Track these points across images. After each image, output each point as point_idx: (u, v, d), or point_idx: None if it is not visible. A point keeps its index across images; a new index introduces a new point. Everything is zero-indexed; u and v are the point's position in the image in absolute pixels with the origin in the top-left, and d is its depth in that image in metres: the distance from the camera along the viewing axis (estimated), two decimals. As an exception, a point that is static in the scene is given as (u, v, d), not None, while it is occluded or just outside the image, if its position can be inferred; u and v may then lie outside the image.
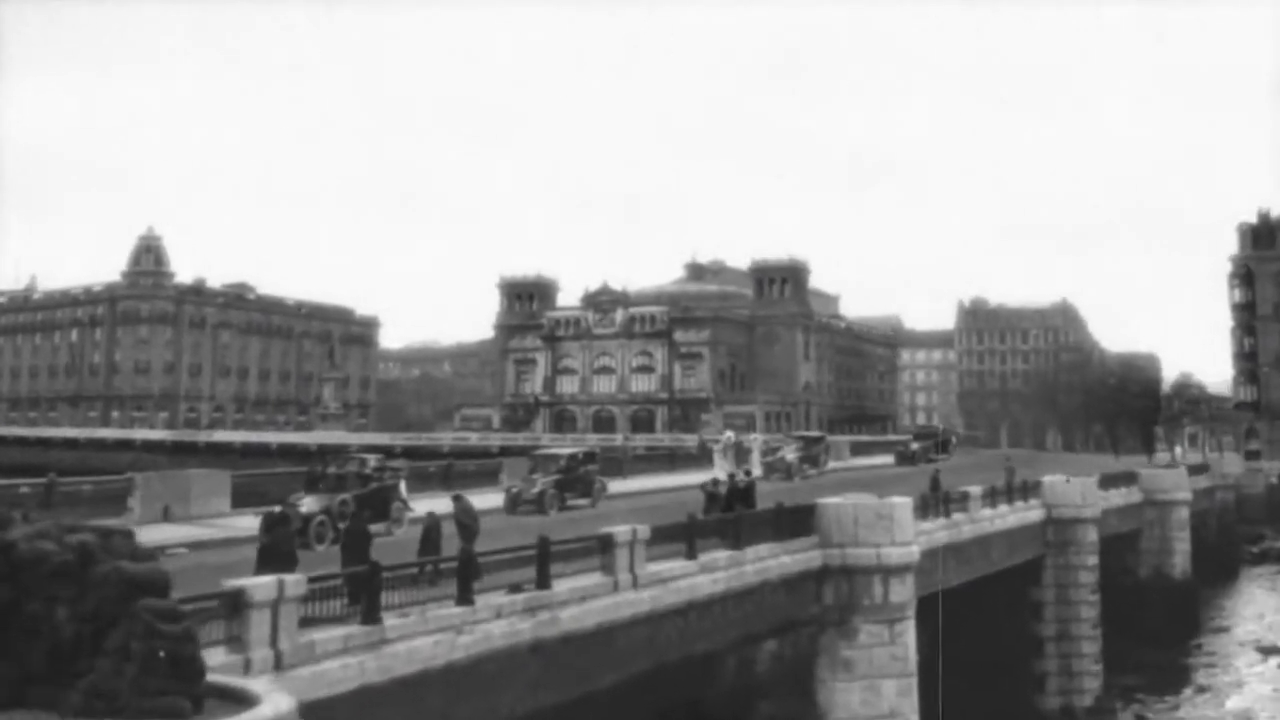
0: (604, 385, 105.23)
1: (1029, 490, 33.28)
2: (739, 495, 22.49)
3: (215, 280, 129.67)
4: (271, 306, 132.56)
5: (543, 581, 14.88)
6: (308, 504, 22.72)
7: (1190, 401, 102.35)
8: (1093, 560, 33.33)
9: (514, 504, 29.04)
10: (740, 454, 44.80)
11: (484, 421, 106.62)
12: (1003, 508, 30.71)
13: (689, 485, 31.66)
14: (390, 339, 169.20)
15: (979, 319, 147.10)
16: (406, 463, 30.02)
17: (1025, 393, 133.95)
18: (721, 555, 18.64)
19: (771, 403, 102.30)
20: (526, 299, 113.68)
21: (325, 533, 22.06)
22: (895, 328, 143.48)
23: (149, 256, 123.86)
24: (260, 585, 11.25)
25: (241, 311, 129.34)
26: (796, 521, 21.02)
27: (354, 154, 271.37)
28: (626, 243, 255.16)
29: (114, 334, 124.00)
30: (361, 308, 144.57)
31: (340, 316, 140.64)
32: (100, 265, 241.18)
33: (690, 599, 17.42)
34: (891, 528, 21.08)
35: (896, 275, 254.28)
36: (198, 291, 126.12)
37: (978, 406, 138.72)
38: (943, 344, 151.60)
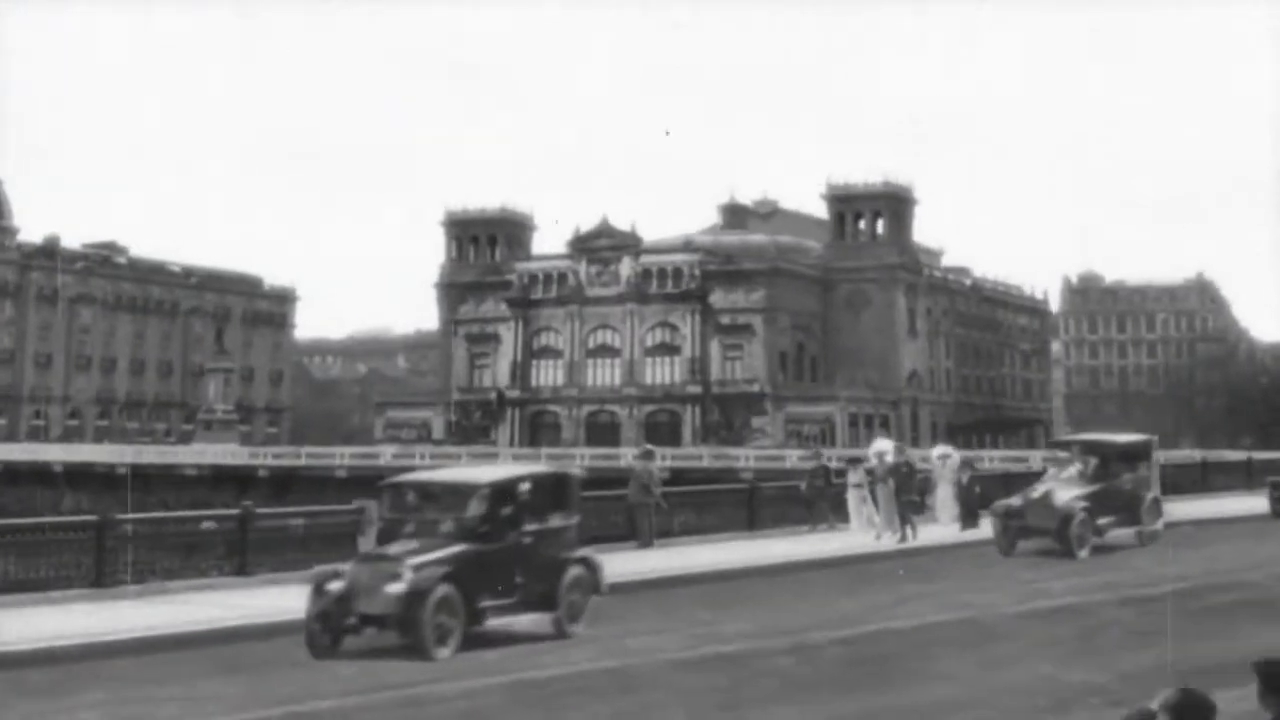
0: (602, 374, 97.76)
1: None
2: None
3: (76, 241, 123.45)
4: (150, 274, 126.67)
5: None
6: None
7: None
8: None
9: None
10: (903, 483, 26.26)
11: (420, 428, 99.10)
12: None
13: (799, 562, 22.08)
14: (329, 326, 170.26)
15: (1091, 300, 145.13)
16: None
17: (1151, 393, 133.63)
18: None
19: (859, 400, 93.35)
20: (486, 244, 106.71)
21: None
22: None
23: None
24: None
25: (109, 280, 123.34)
26: None
27: (291, 101, 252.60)
28: (631, 185, 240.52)
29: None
30: (274, 277, 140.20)
31: (243, 287, 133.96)
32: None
33: None
34: None
35: (978, 245, 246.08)
36: (49, 253, 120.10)
37: (1090, 411, 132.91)
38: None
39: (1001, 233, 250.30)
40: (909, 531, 25.14)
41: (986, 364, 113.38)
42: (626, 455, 63.63)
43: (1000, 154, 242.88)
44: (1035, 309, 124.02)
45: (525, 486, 15.95)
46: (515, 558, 15.20)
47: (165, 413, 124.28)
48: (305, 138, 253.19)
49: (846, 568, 22.52)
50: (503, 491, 15.57)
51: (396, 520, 15.60)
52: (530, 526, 15.56)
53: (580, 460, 64.61)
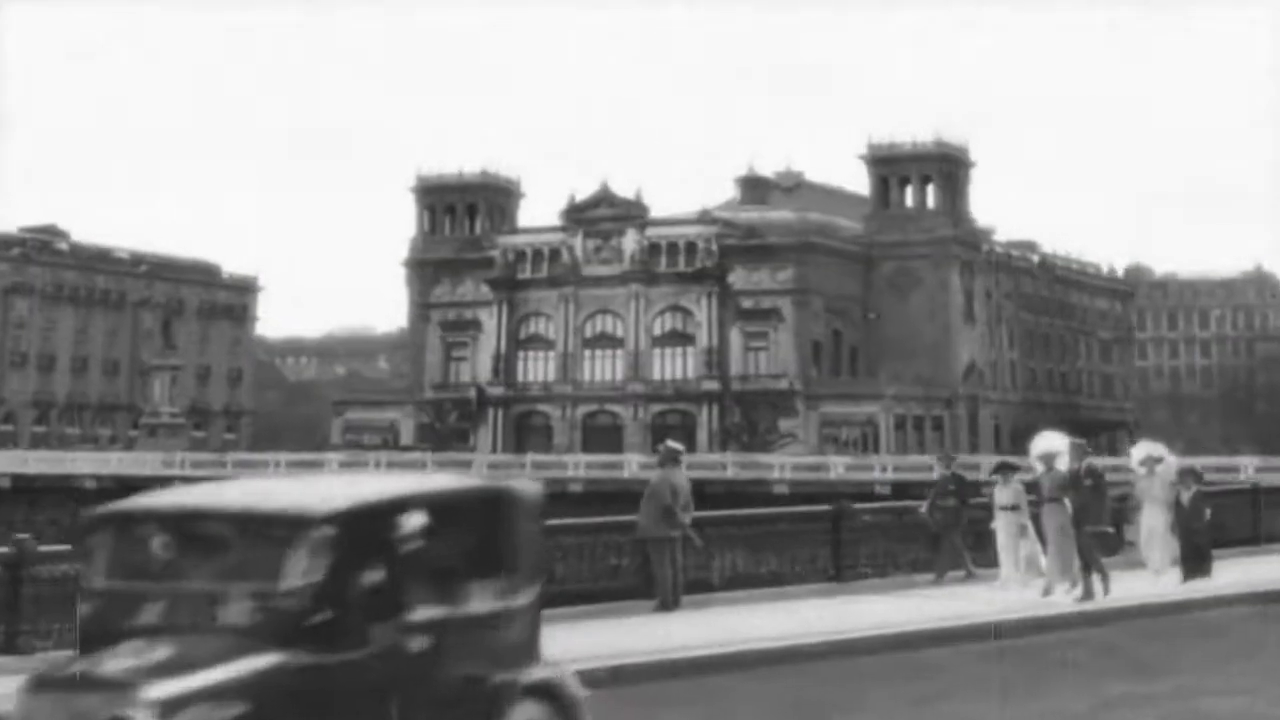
0: (603, 368, 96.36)
1: None
2: None
3: (12, 225, 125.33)
4: (94, 261, 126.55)
5: None
6: None
7: None
8: None
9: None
10: (1086, 505, 18.01)
11: (385, 432, 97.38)
12: None
13: (920, 633, 15.69)
14: (304, 325, 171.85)
15: (1139, 295, 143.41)
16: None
17: (1206, 397, 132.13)
18: None
19: (907, 399, 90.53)
20: (464, 214, 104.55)
21: None
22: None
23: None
24: None
25: (48, 268, 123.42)
26: None
27: (255, 76, 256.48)
28: (634, 156, 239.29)
29: None
30: (233, 264, 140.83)
31: (199, 276, 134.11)
32: None
33: None
34: None
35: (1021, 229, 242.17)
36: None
37: (1142, 416, 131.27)
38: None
39: (1041, 221, 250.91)
40: (1097, 583, 17.46)
41: (1058, 355, 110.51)
42: (631, 463, 61.97)
43: (1044, 138, 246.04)
44: (1115, 290, 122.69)
45: (415, 521, 8.15)
46: (390, 685, 7.99)
47: (110, 417, 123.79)
48: (271, 115, 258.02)
49: (998, 644, 15.73)
50: (365, 533, 7.99)
51: (125, 597, 8.11)
52: (427, 612, 8.15)
53: (575, 470, 61.15)
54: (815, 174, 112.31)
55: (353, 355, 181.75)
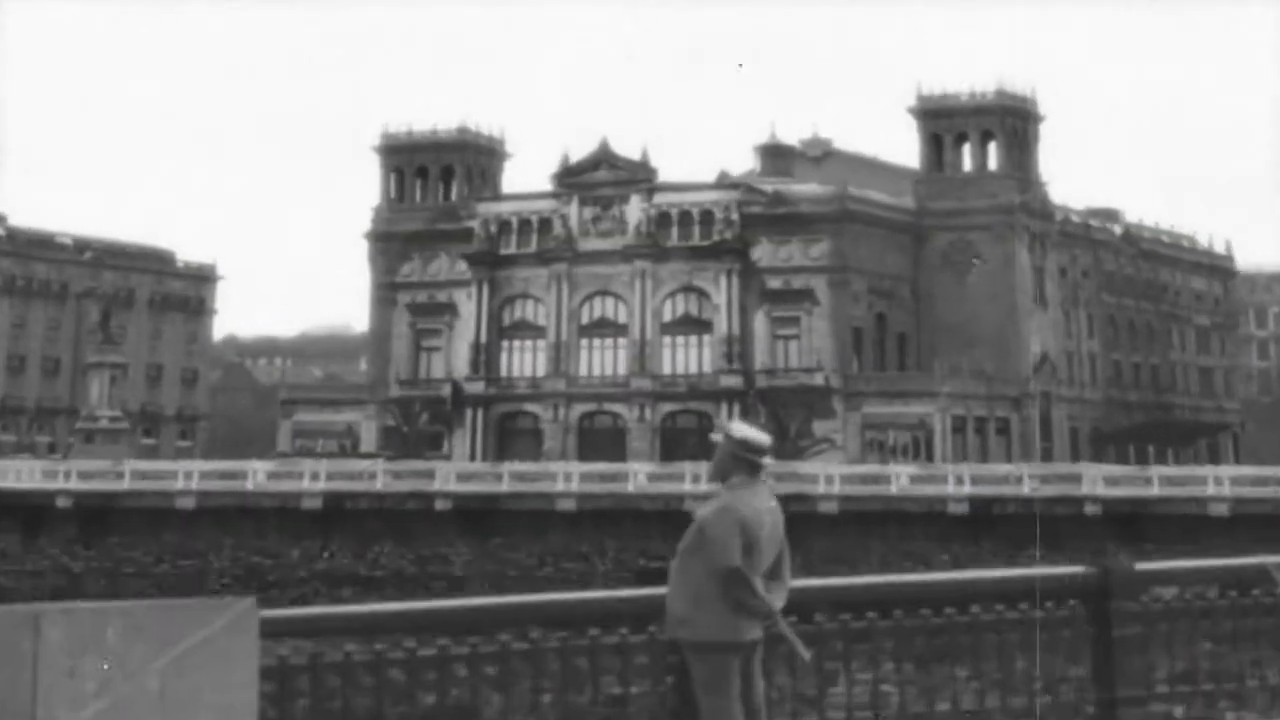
0: (602, 360, 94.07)
1: None
2: None
3: None
4: (33, 247, 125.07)
5: None
6: None
7: None
8: None
9: None
10: None
11: (342, 437, 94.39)
12: None
13: None
14: (278, 324, 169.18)
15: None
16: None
17: None
18: None
19: (967, 397, 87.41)
20: (438, 179, 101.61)
21: None
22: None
23: None
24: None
25: None
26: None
27: (219, 52, 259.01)
28: (637, 119, 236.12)
29: None
30: (190, 251, 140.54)
31: (150, 264, 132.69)
32: None
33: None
34: None
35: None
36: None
37: (1246, 418, 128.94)
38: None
39: (1121, 187, 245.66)
40: None
41: (1147, 345, 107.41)
42: (637, 475, 57.12)
43: (1113, 104, 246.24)
44: (1214, 267, 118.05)
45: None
46: None
47: (50, 421, 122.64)
48: (233, 94, 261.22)
49: None
50: None
51: None
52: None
53: (565, 483, 55.24)
54: (847, 143, 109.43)
55: (330, 356, 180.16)
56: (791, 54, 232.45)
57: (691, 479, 53.00)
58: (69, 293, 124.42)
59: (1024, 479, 52.26)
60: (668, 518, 50.87)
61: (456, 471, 55.91)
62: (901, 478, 53.40)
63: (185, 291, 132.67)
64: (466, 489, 53.97)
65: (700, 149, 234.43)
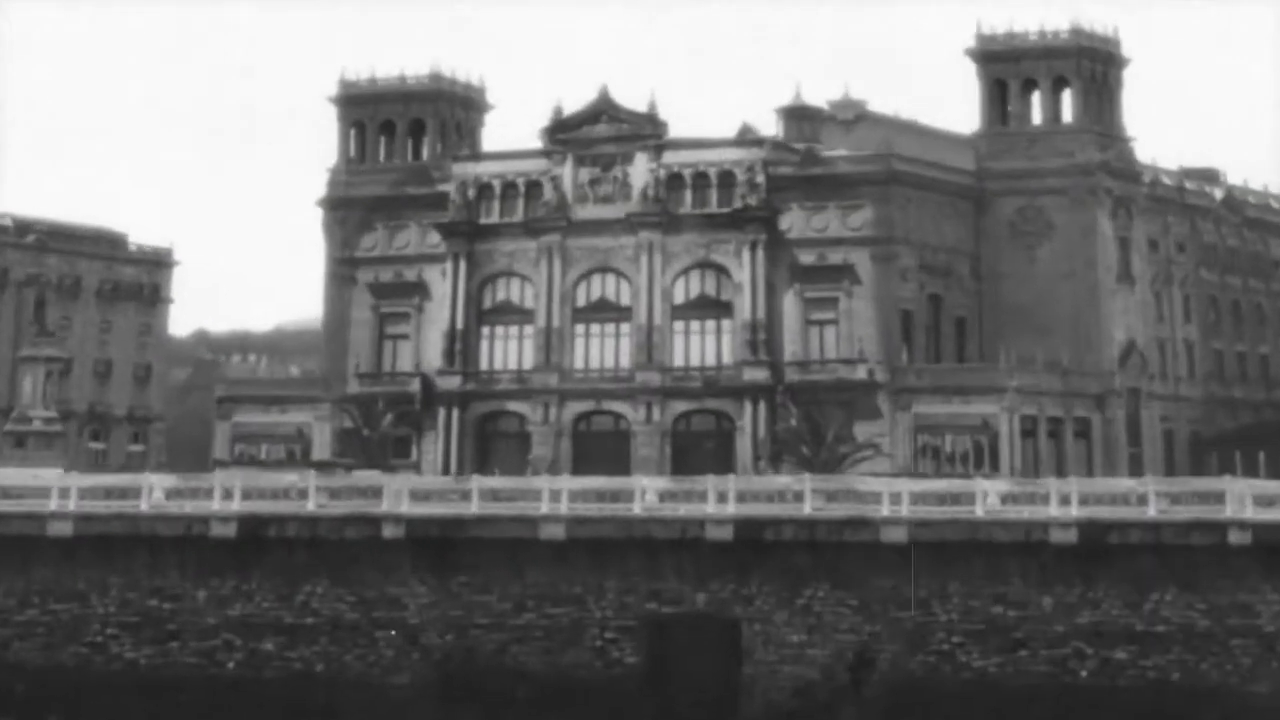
0: (601, 351, 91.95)
1: None
2: None
3: None
4: None
5: None
6: None
7: None
8: None
9: None
10: None
11: (292, 441, 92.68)
12: None
13: None
14: (252, 317, 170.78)
15: None
16: None
17: None
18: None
19: (1040, 393, 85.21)
20: (406, 135, 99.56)
21: None
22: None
23: None
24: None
25: None
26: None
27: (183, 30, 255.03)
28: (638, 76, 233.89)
29: None
30: (144, 234, 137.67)
31: (99, 248, 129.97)
32: None
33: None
34: None
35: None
36: None
37: None
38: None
39: (1219, 145, 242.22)
40: None
41: (1255, 332, 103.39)
42: (645, 493, 49.85)
43: (1213, 44, 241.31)
44: None
45: None
46: None
47: None
48: (191, 59, 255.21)
49: None
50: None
51: None
52: None
53: (553, 504, 47.92)
54: (883, 105, 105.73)
55: (309, 351, 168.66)
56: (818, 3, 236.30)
57: (716, 498, 45.43)
58: (9, 280, 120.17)
59: (1149, 498, 44.15)
60: (684, 549, 44.93)
61: (410, 489, 46.65)
62: (990, 496, 45.02)
63: (138, 278, 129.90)
64: (423, 511, 45.92)
65: (713, 113, 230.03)
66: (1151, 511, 44.15)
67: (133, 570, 46.70)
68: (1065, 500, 45.32)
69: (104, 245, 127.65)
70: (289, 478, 50.06)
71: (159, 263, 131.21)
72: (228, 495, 47.39)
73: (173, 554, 47.20)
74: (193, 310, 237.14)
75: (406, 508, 46.42)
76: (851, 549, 44.23)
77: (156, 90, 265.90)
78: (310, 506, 46.71)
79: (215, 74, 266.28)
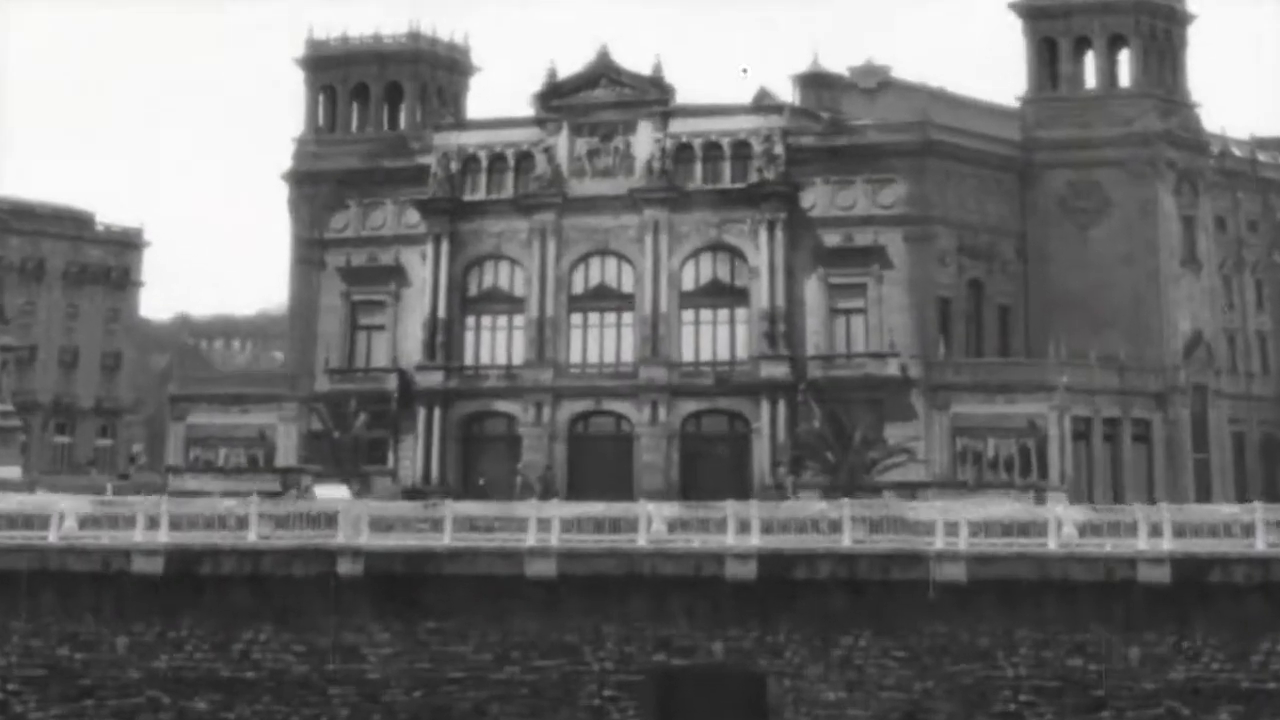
0: (601, 343, 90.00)
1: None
2: None
3: None
4: None
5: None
6: None
7: None
8: None
9: None
10: None
11: (252, 444, 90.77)
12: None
13: None
14: (235, 301, 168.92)
15: None
16: None
17: None
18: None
19: (1094, 391, 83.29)
20: (381, 101, 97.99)
21: None
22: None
23: None
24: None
25: None
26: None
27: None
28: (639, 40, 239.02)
29: None
30: (111, 213, 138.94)
31: (64, 228, 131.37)
32: None
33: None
34: None
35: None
36: None
37: None
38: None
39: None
40: None
41: None
42: (652, 521, 46.80)
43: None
44: None
45: None
46: None
47: None
48: (159, 26, 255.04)
49: None
50: None
51: None
52: None
53: (540, 535, 45.09)
54: (910, 72, 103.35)
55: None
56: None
57: (737, 528, 41.14)
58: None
59: (1256, 527, 39.43)
60: (699, 589, 41.66)
61: (371, 516, 41.80)
62: (1065, 526, 40.04)
63: (106, 260, 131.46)
64: (386, 544, 41.47)
65: (723, 80, 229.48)
66: (1260, 545, 39.63)
67: (39, 614, 42.38)
68: (1156, 531, 40.91)
69: (69, 225, 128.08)
70: (226, 503, 44.56)
71: (128, 244, 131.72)
72: (153, 524, 42.39)
73: (88, 594, 42.83)
74: (172, 295, 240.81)
75: (366, 539, 41.79)
76: (899, 589, 40.67)
77: (125, 64, 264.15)
78: (251, 537, 42.14)
79: (185, 44, 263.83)
